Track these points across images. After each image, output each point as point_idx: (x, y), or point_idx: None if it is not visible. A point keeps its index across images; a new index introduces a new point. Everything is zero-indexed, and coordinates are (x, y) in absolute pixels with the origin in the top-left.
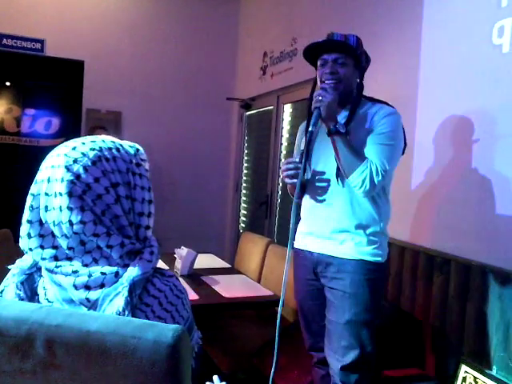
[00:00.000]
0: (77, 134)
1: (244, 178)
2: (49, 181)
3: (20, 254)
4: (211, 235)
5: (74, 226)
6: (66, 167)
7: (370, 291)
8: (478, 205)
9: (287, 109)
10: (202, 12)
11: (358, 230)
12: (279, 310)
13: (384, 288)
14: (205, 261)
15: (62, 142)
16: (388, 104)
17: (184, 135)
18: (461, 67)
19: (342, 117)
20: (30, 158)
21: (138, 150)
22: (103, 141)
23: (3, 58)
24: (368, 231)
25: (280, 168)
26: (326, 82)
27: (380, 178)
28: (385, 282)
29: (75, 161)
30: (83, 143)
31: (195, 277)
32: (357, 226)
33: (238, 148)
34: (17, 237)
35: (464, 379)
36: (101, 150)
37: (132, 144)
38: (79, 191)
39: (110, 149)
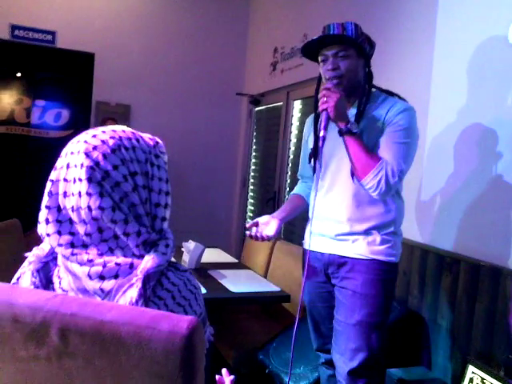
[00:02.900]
0: (86, 127)
1: (252, 173)
2: (68, 167)
3: (29, 243)
4: (218, 230)
5: (93, 212)
6: (86, 153)
7: (383, 292)
8: (488, 205)
9: (297, 105)
10: (213, 6)
11: (371, 229)
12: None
13: (395, 288)
14: (212, 255)
15: (72, 134)
16: (400, 97)
17: (192, 130)
18: (475, 66)
19: (352, 113)
20: (40, 149)
21: (157, 142)
22: (123, 131)
23: (14, 49)
24: (382, 230)
25: (288, 165)
26: (329, 78)
27: (396, 178)
28: (396, 282)
29: (95, 148)
30: (103, 132)
31: (202, 271)
32: (370, 226)
33: (246, 144)
34: (25, 227)
35: (471, 380)
36: (120, 139)
37: (152, 137)
38: (98, 177)
39: (129, 139)
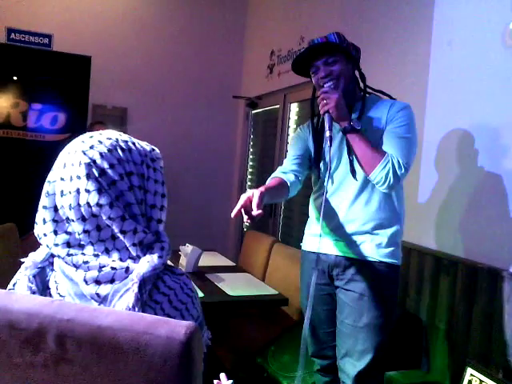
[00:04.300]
0: (83, 130)
1: (249, 176)
2: (64, 166)
3: (25, 247)
4: (215, 233)
5: (93, 208)
6: (83, 152)
7: (389, 294)
8: (486, 207)
9: (294, 108)
10: (210, 9)
11: (377, 230)
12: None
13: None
14: (209, 258)
15: (68, 138)
16: (392, 97)
17: (189, 133)
18: (472, 69)
19: (352, 117)
20: (36, 153)
21: (153, 149)
22: (120, 135)
23: (11, 52)
24: (388, 231)
25: None
26: (325, 85)
27: (403, 170)
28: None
29: (91, 147)
30: (101, 133)
31: (200, 274)
32: (376, 227)
33: (243, 146)
34: (22, 231)
35: (470, 382)
36: (117, 140)
37: (148, 144)
38: (96, 174)
39: (125, 141)
